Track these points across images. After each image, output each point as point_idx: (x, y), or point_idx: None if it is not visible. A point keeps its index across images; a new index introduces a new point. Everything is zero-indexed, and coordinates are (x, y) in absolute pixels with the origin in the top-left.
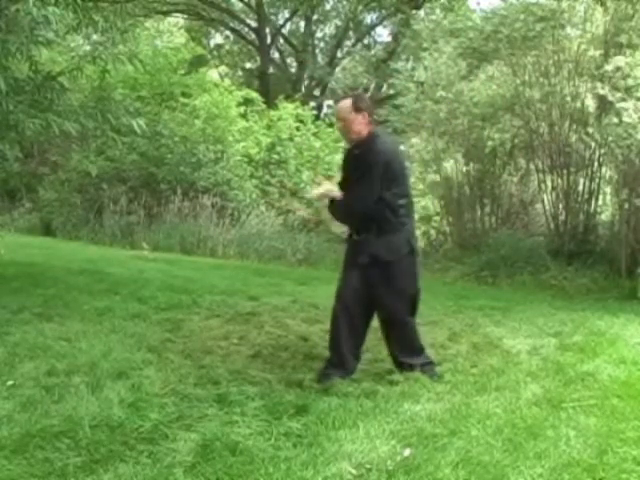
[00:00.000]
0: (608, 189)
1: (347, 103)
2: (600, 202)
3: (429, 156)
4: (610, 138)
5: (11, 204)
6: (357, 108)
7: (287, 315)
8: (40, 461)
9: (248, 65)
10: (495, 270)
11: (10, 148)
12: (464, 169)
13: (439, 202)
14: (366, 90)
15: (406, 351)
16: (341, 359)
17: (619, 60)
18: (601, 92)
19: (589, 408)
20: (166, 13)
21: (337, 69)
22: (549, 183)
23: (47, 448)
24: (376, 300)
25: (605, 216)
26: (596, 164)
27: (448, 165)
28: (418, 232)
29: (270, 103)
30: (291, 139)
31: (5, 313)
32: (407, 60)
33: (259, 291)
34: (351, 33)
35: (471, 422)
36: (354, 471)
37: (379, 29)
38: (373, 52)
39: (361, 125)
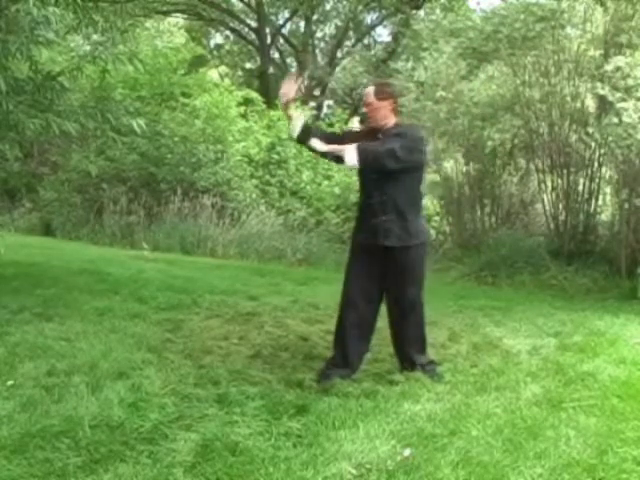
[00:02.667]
0: (608, 189)
1: (370, 90)
2: (600, 202)
3: (429, 156)
4: (610, 138)
5: (11, 204)
6: (381, 96)
7: (287, 315)
8: (40, 461)
9: (248, 65)
10: (495, 270)
11: (10, 148)
12: (464, 169)
13: (439, 202)
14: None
15: (417, 347)
16: (345, 359)
17: (619, 60)
18: (601, 92)
19: (589, 408)
20: (166, 13)
21: (337, 69)
22: (549, 183)
23: (47, 448)
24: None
25: (605, 216)
26: (596, 164)
27: (448, 165)
28: None
29: (270, 103)
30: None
31: (5, 313)
32: (407, 60)
33: (259, 291)
34: (351, 33)
35: (471, 422)
36: (354, 471)
37: (379, 29)
38: (373, 52)
39: (386, 111)
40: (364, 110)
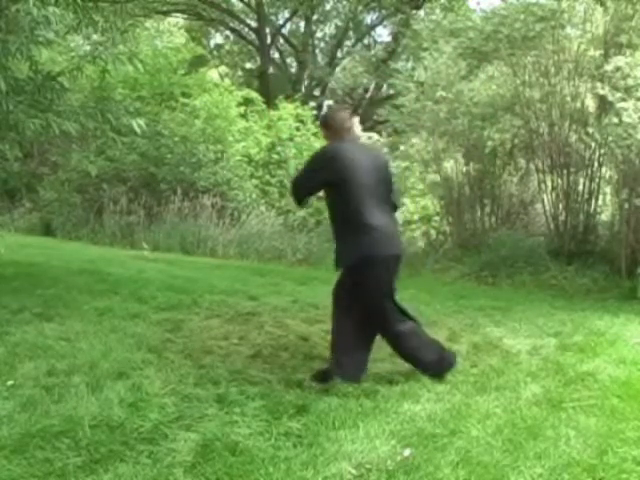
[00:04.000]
0: (608, 189)
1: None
2: (600, 202)
3: (429, 156)
4: (610, 138)
5: (11, 204)
6: (321, 126)
7: (287, 315)
8: (40, 461)
9: (248, 65)
10: (495, 270)
11: (10, 148)
12: (464, 169)
13: (439, 202)
14: (366, 90)
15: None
16: (336, 361)
17: (619, 60)
18: (601, 92)
19: (589, 408)
20: (166, 13)
21: (337, 69)
22: (549, 183)
23: (47, 448)
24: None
25: (605, 216)
26: (596, 164)
27: (448, 165)
28: (418, 232)
29: (270, 103)
30: (291, 139)
31: (5, 313)
32: (407, 60)
33: (259, 291)
34: (351, 33)
35: (471, 422)
36: (354, 471)
37: (379, 29)
38: (373, 52)
39: (330, 139)
40: None
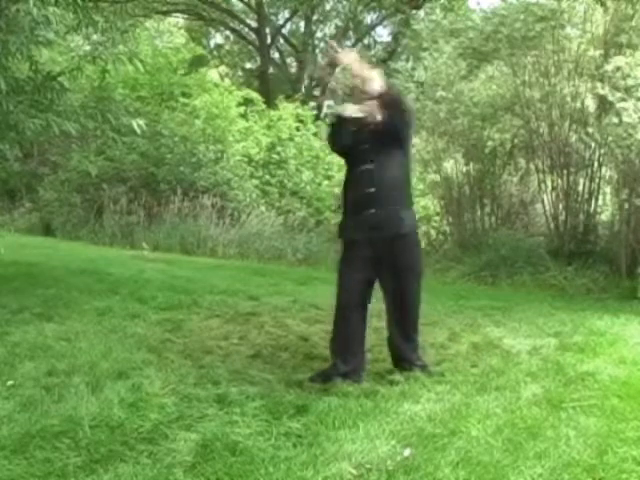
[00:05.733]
0: (608, 189)
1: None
2: (600, 202)
3: (429, 156)
4: (610, 138)
5: (11, 204)
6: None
7: (287, 315)
8: (40, 461)
9: (248, 65)
10: (495, 270)
11: (10, 148)
12: (464, 169)
13: (439, 202)
14: None
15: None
16: (336, 361)
17: (619, 60)
18: (601, 92)
19: (589, 408)
20: (166, 13)
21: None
22: (549, 183)
23: (47, 448)
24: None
25: (605, 216)
26: (596, 164)
27: (448, 165)
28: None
29: (270, 103)
30: (291, 139)
31: (5, 313)
32: (407, 60)
33: (259, 291)
34: (351, 33)
35: (471, 422)
36: (354, 471)
37: (379, 29)
38: (373, 52)
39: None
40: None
